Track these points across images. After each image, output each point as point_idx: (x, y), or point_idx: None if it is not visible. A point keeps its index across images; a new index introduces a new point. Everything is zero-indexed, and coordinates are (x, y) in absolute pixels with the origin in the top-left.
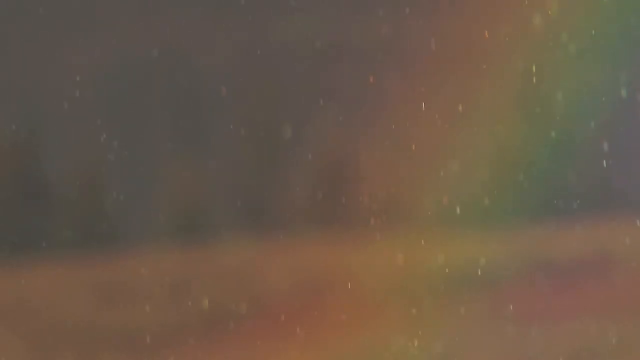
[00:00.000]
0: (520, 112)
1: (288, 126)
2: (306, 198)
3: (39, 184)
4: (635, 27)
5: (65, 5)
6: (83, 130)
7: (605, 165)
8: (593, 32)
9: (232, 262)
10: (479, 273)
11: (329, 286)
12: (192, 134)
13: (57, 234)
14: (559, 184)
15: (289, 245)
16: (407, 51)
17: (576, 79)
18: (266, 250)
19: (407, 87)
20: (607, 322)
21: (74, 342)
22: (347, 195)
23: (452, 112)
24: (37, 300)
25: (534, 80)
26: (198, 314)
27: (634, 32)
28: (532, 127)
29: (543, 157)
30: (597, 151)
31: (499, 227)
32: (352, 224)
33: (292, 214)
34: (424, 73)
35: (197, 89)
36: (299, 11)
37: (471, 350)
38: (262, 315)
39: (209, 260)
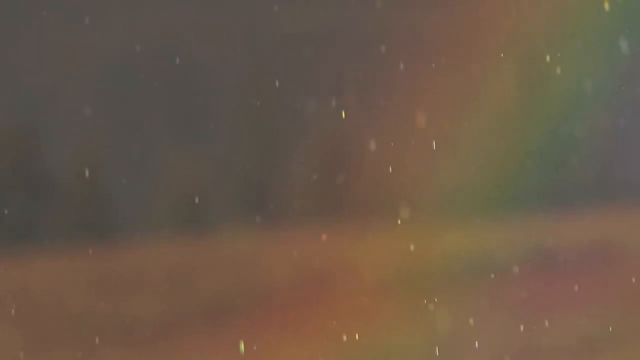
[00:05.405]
0: (522, 104)
1: (289, 117)
2: (307, 189)
3: (38, 176)
4: (636, 25)
5: (63, 2)
6: (83, 122)
7: (605, 156)
8: (593, 28)
9: (234, 253)
10: (482, 264)
11: (331, 277)
12: (193, 125)
13: (57, 225)
14: (561, 175)
15: (290, 237)
16: (410, 41)
17: (577, 72)
18: (267, 242)
19: (410, 77)
20: (608, 312)
21: (74, 332)
22: (349, 186)
23: (454, 104)
24: (37, 290)
25: (536, 73)
26: (199, 305)
27: (634, 29)
28: (534, 120)
29: (545, 149)
30: (598, 143)
31: (502, 218)
32: (353, 215)
33: (294, 205)
34: (427, 63)
35: (199, 80)
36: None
37: (474, 340)
38: (263, 305)
39: (209, 251)
